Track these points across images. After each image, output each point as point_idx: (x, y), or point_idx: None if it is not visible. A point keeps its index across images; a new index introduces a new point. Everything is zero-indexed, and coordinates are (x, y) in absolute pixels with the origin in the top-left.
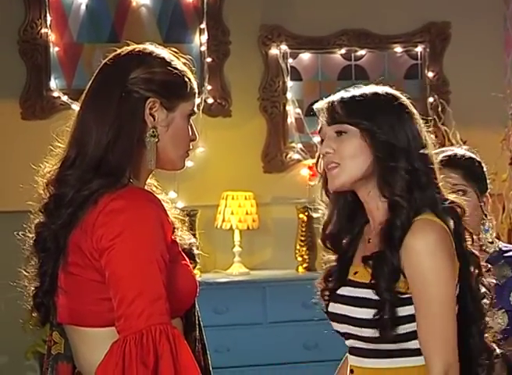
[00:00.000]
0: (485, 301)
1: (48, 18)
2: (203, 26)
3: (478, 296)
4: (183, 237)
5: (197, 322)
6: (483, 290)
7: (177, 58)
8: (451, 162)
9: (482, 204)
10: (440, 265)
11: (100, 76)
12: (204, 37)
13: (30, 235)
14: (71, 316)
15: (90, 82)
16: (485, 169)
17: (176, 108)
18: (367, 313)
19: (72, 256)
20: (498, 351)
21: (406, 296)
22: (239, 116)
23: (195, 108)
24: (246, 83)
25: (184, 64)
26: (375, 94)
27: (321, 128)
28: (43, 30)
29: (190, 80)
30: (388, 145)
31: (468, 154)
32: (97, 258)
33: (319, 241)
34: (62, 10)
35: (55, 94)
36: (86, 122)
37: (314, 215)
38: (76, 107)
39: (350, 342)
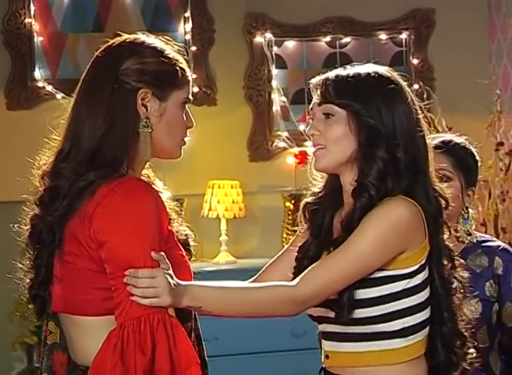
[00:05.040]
0: (457, 294)
1: (32, 7)
2: (187, 14)
3: (450, 287)
4: (179, 228)
5: (192, 312)
6: (456, 283)
7: (171, 46)
8: (445, 148)
9: (467, 196)
10: (387, 231)
11: (92, 68)
12: (189, 26)
13: (25, 227)
14: (66, 305)
15: (84, 74)
16: (478, 164)
17: (168, 98)
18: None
19: (68, 246)
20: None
21: (371, 277)
22: (224, 105)
23: (190, 96)
24: (231, 71)
25: (177, 52)
26: (369, 74)
27: (312, 107)
28: (27, 20)
29: (182, 68)
30: (372, 130)
31: (464, 144)
32: (93, 247)
33: (300, 211)
34: (45, 0)
35: (40, 84)
36: (79, 115)
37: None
38: (60, 97)
39: (322, 326)
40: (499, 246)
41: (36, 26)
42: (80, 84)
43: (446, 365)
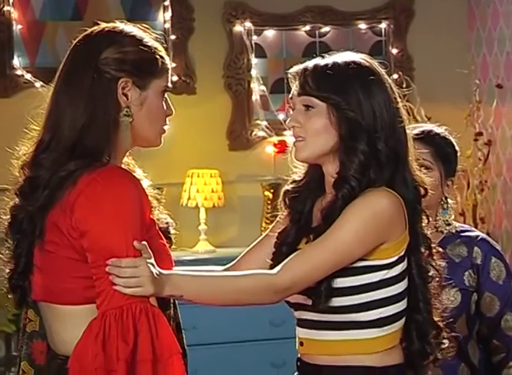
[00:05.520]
0: (433, 283)
1: None
2: (167, 3)
3: (426, 276)
4: (160, 216)
5: (171, 300)
6: (432, 272)
7: (149, 34)
8: (424, 138)
9: (446, 186)
10: (369, 222)
11: (71, 57)
12: (168, 15)
13: (5, 217)
14: (46, 294)
15: (62, 63)
16: (458, 154)
17: (148, 86)
18: None
19: (49, 235)
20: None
21: (350, 266)
22: (203, 94)
23: (169, 84)
24: (210, 60)
25: (155, 39)
26: (348, 65)
27: (292, 97)
28: (5, 8)
29: (161, 56)
30: (352, 123)
31: (444, 134)
32: (75, 236)
33: (280, 198)
34: None
35: (19, 72)
36: (59, 104)
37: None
38: (39, 85)
39: (298, 313)
40: (478, 236)
41: (15, 15)
42: (58, 73)
43: (419, 354)
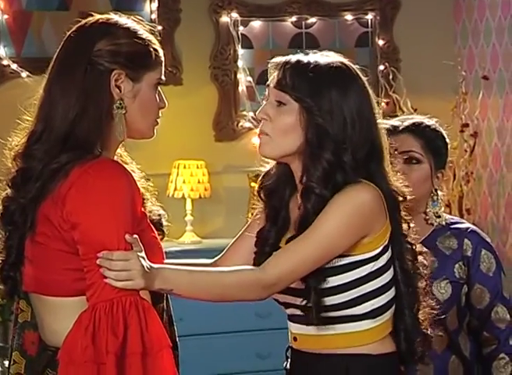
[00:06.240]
0: (420, 284)
1: None
2: None
3: (411, 280)
4: (152, 208)
5: (164, 294)
6: (417, 272)
7: (142, 26)
8: (415, 130)
9: (436, 179)
10: (351, 215)
11: (65, 48)
12: (155, 5)
13: None
14: (36, 285)
15: (56, 54)
16: (448, 146)
17: (141, 79)
18: (297, 283)
19: (40, 226)
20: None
21: (337, 264)
22: (190, 85)
23: (162, 77)
24: (197, 51)
25: (149, 32)
26: (329, 69)
27: (268, 85)
28: None
29: (155, 49)
30: (320, 130)
31: (435, 126)
32: (65, 229)
33: (256, 192)
34: None
35: (5, 62)
36: (52, 96)
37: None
38: (25, 75)
39: (290, 311)
40: (468, 228)
41: (1, 4)
42: (52, 64)
43: (406, 353)
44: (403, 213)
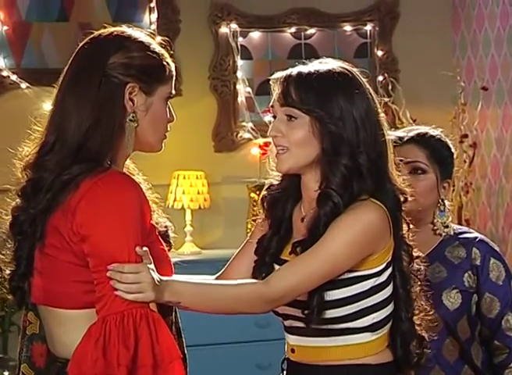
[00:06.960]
0: (414, 288)
1: None
2: (153, 4)
3: (408, 282)
4: (159, 220)
5: (173, 306)
6: (412, 277)
7: (153, 39)
8: (420, 140)
9: (442, 189)
10: (358, 234)
11: (78, 60)
12: (154, 16)
13: (6, 218)
14: (46, 297)
15: (68, 65)
16: (454, 156)
17: (154, 92)
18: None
19: (49, 238)
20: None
21: (340, 278)
22: (189, 95)
23: (173, 91)
24: (196, 62)
25: (161, 45)
26: (332, 76)
27: (273, 105)
28: None
29: (168, 63)
30: (335, 137)
31: (440, 136)
32: (75, 241)
33: (259, 203)
34: None
35: (4, 73)
36: (65, 107)
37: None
38: (25, 86)
39: (288, 322)
40: (477, 237)
41: (0, 15)
42: (64, 75)
43: (403, 360)
44: (403, 214)
